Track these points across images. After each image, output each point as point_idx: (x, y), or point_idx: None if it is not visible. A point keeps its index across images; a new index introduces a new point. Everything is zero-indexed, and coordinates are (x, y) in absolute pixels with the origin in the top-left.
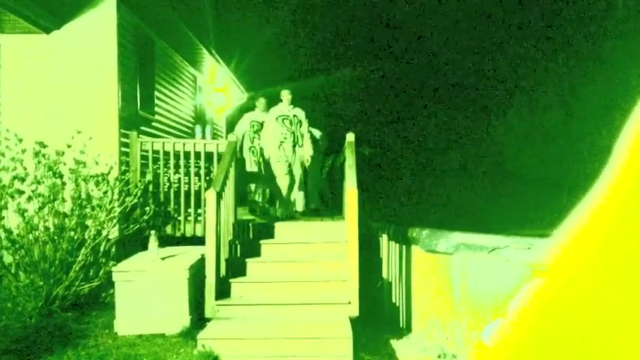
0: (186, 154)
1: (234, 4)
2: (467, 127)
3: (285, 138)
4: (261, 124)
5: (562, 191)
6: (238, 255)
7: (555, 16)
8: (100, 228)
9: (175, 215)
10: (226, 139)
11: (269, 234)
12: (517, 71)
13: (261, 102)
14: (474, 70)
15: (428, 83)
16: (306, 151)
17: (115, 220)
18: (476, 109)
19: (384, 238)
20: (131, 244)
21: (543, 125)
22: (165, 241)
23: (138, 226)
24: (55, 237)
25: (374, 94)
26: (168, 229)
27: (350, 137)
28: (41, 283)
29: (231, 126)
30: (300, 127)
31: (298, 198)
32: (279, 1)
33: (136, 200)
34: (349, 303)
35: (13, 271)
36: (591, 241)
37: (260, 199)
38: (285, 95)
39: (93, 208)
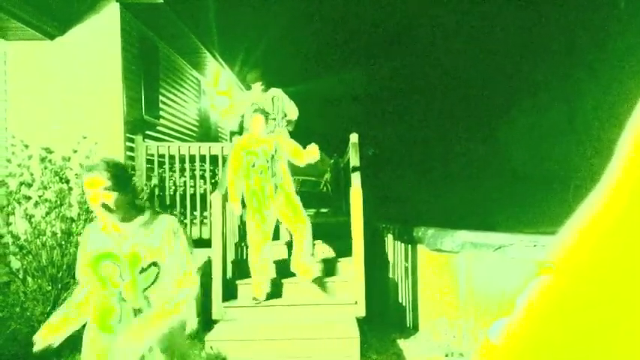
0: (192, 158)
1: (238, 6)
2: (471, 126)
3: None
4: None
5: (568, 189)
6: (244, 257)
7: (558, 15)
8: None
9: (181, 218)
10: (230, 141)
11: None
12: (521, 70)
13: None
14: (479, 70)
15: (433, 83)
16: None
17: None
18: (480, 109)
19: (389, 238)
20: None
21: (548, 123)
22: None
23: None
24: (63, 242)
25: (378, 94)
26: None
27: (354, 138)
28: (49, 287)
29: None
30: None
31: None
32: (282, 5)
33: (142, 204)
34: (356, 303)
35: (21, 276)
36: (595, 238)
37: None
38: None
39: None
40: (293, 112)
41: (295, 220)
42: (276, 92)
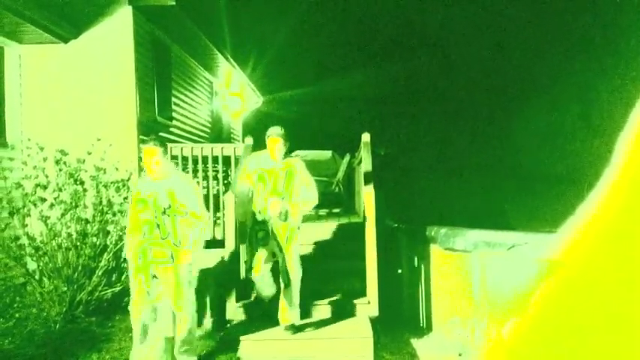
0: (204, 159)
1: (250, 8)
2: (485, 125)
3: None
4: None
5: (582, 188)
6: None
7: (571, 12)
8: (121, 233)
9: None
10: (243, 142)
11: None
12: (534, 70)
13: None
14: (492, 70)
15: (445, 83)
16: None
17: None
18: (494, 108)
19: (402, 237)
20: None
21: (562, 122)
22: None
23: None
24: (78, 243)
25: (391, 94)
26: None
27: (365, 137)
28: (65, 288)
29: (247, 129)
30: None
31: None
32: (294, 5)
33: None
34: (369, 303)
35: (37, 277)
36: (598, 236)
37: None
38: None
39: (114, 214)
40: (312, 197)
41: (175, 301)
42: (295, 165)
